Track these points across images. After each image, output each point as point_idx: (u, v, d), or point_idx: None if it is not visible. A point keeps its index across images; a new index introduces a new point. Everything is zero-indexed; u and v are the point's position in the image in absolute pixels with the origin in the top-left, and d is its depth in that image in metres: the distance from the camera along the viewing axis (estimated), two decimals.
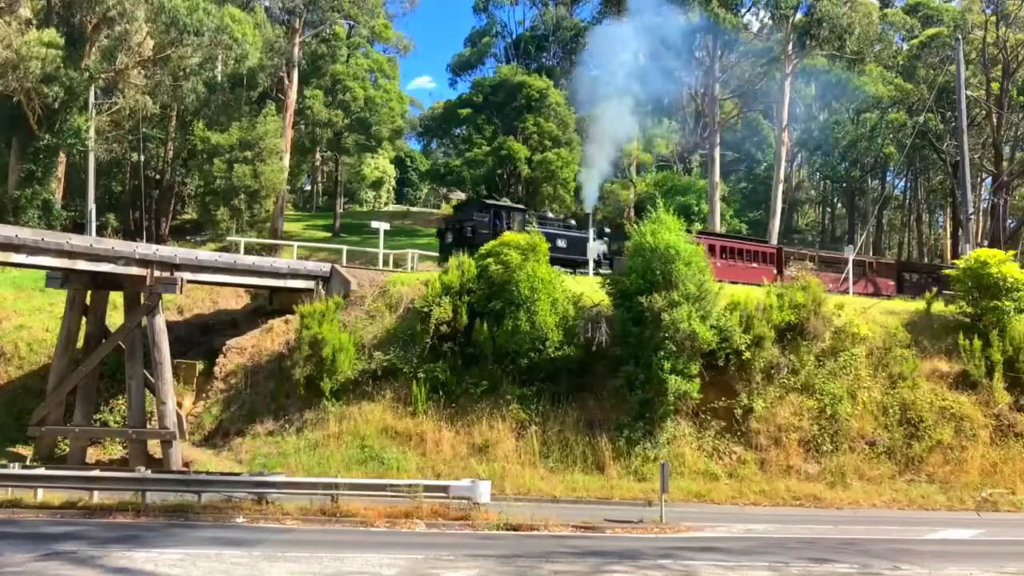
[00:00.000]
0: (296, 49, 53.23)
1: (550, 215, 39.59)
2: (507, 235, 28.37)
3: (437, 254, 36.44)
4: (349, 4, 55.30)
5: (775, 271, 40.02)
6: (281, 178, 46.30)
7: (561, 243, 35.47)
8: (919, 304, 31.04)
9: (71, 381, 25.10)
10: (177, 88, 42.05)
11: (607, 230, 40.19)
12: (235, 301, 31.59)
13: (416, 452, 24.55)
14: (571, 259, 35.95)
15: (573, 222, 38.77)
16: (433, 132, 68.65)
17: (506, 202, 40.88)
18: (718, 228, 53.15)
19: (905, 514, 23.14)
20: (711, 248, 35.82)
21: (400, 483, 20.44)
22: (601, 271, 35.39)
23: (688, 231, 27.94)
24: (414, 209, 73.22)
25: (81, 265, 23.22)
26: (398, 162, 60.14)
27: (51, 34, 35.04)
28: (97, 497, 20.51)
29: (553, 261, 33.61)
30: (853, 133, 59.07)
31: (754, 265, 40.61)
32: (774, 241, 49.64)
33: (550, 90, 60.29)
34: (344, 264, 31.02)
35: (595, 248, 36.80)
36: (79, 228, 38.33)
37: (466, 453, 24.58)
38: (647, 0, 52.57)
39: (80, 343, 26.04)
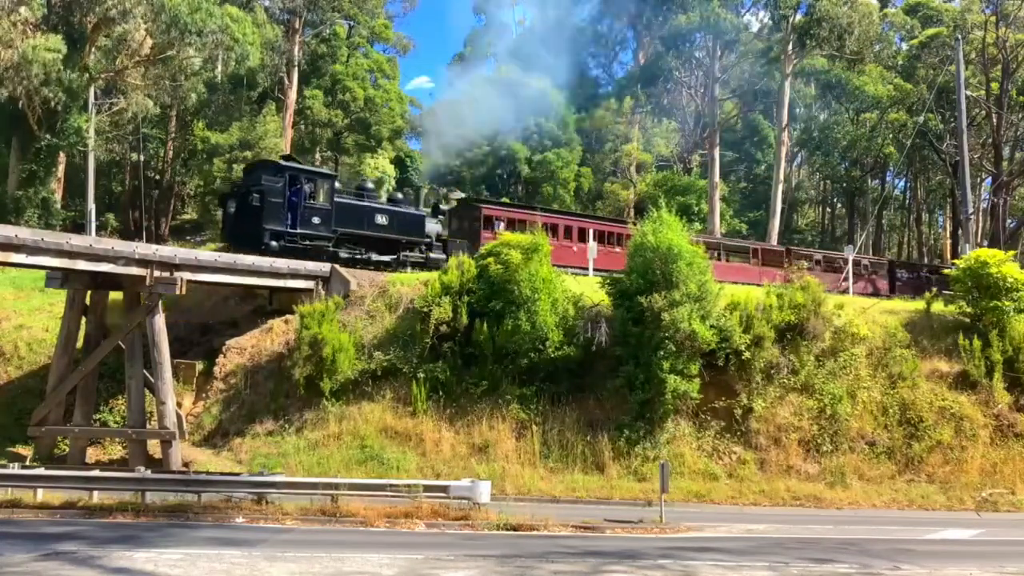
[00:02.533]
0: (296, 49, 53.28)
1: (370, 185, 34.98)
2: (507, 235, 28.36)
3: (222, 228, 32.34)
4: (349, 4, 55.33)
5: None
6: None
7: (381, 219, 31.64)
8: (919, 304, 31.04)
9: (71, 381, 25.09)
10: (177, 88, 42.03)
11: (443, 207, 37.06)
12: (235, 301, 31.56)
13: (416, 452, 24.55)
14: (394, 239, 32.22)
15: (401, 196, 35.30)
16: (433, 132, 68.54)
17: (309, 165, 35.81)
18: (718, 228, 53.17)
19: (905, 514, 23.14)
20: (600, 234, 35.65)
21: (400, 483, 20.44)
22: (433, 255, 33.20)
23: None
24: None
25: (81, 265, 23.20)
26: (398, 162, 60.01)
27: (56, 41, 35.03)
28: (97, 497, 20.50)
29: (369, 242, 31.10)
30: (853, 133, 59.05)
31: (617, 250, 37.67)
32: (774, 241, 49.60)
33: (550, 90, 60.24)
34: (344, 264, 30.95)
35: (433, 229, 33.93)
36: (79, 228, 38.35)
37: (466, 453, 24.58)
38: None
39: (80, 343, 26.02)
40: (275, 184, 28.60)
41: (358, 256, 31.24)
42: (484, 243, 33.17)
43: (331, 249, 30.33)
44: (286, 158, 32.63)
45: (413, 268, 32.69)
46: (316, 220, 29.90)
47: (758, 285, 31.84)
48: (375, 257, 31.74)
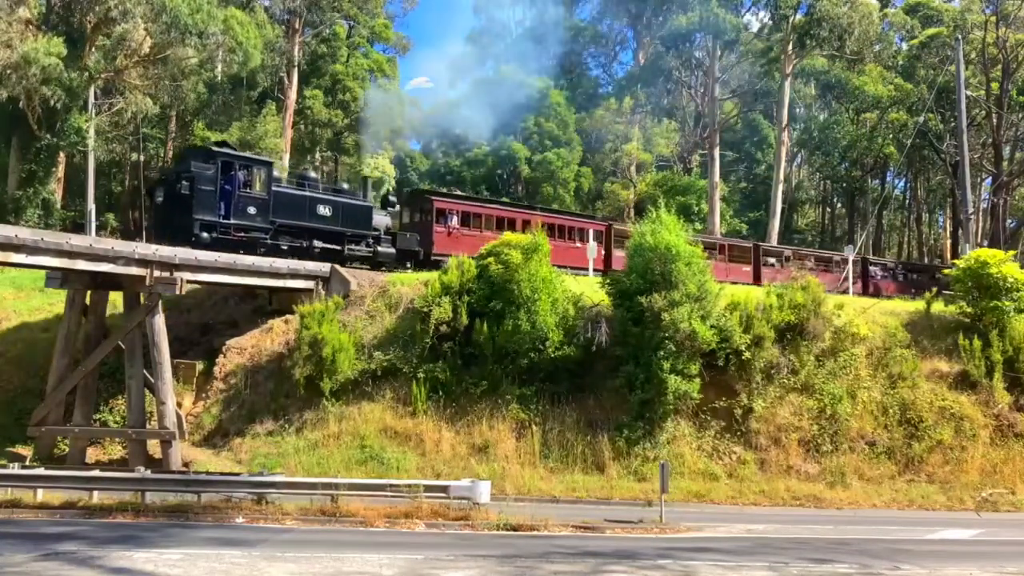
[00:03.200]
0: (296, 49, 53.25)
1: (312, 174, 33.05)
2: (508, 235, 28.35)
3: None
4: (349, 4, 55.32)
5: (602, 252, 36.27)
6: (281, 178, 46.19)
7: (324, 210, 29.52)
8: (919, 304, 31.05)
9: (71, 381, 25.09)
10: (177, 88, 42.01)
11: (392, 199, 35.00)
12: (235, 301, 31.56)
13: (416, 452, 24.55)
14: (338, 232, 30.22)
15: (347, 186, 33.44)
16: (433, 132, 68.60)
17: (244, 153, 33.00)
18: (718, 228, 53.19)
19: (905, 514, 23.13)
20: (553, 228, 33.52)
21: (400, 483, 20.43)
22: (381, 249, 31.42)
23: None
24: None
25: (81, 265, 23.20)
26: (398, 162, 60.12)
27: (57, 44, 35.04)
28: (97, 497, 20.49)
29: (310, 234, 29.31)
30: (853, 133, 59.07)
31: (577, 244, 36.40)
32: (774, 241, 49.58)
33: (550, 90, 60.29)
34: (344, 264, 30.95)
35: (381, 222, 32.07)
36: (79, 228, 38.32)
37: (466, 453, 24.58)
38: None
39: (80, 343, 26.02)
40: (206, 171, 26.65)
41: (298, 246, 29.19)
42: (436, 237, 32.81)
43: (269, 242, 28.38)
44: (219, 144, 29.92)
45: (360, 263, 30.96)
46: (252, 210, 27.97)
47: (721, 282, 31.07)
48: (319, 245, 29.63)
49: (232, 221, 27.64)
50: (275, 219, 28.79)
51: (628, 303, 25.71)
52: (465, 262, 27.76)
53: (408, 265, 32.36)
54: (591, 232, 37.30)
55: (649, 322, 24.93)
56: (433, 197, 34.48)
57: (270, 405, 26.34)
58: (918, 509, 23.68)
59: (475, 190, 55.63)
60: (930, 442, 25.72)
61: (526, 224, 33.98)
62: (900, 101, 55.26)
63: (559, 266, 31.56)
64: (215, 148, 28.50)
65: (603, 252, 36.57)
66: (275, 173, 29.88)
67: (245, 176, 27.87)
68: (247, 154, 32.19)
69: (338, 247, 30.28)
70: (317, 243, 29.90)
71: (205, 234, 26.74)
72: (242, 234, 27.89)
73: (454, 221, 33.40)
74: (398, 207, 34.79)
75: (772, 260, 42.81)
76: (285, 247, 29.00)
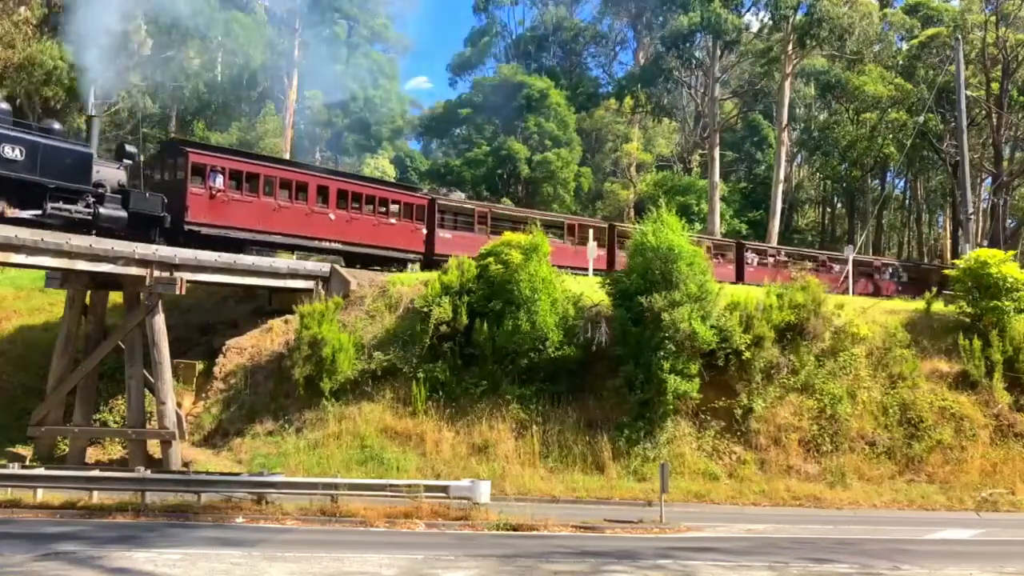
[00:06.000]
0: (296, 49, 53.27)
1: (4, 106, 22.86)
2: (508, 234, 28.34)
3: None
4: (349, 4, 55.38)
5: (423, 231, 32.27)
6: None
7: (11, 152, 21.43)
8: (919, 304, 31.05)
9: (71, 381, 25.09)
10: (177, 88, 42.03)
11: (131, 150, 26.39)
12: (235, 301, 31.57)
13: (416, 452, 24.55)
14: (33, 183, 22.02)
15: (58, 126, 24.63)
16: (433, 132, 68.74)
17: None
18: (718, 228, 53.15)
19: (905, 514, 23.13)
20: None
21: (400, 483, 20.44)
22: (104, 211, 23.75)
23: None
24: None
25: (80, 265, 23.19)
26: (398, 162, 60.19)
27: (66, 51, 35.07)
28: (97, 497, 20.49)
29: None
30: (853, 133, 59.05)
31: (392, 222, 31.35)
32: (774, 242, 49.43)
33: (550, 90, 60.29)
34: (343, 264, 30.97)
35: (109, 176, 24.43)
36: None
37: (466, 453, 24.57)
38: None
39: (80, 343, 26.03)
40: None
41: None
42: (192, 201, 25.80)
43: None
44: None
45: (75, 228, 23.27)
46: None
47: None
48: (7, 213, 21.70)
49: None
50: None
51: (628, 303, 25.71)
52: (465, 262, 27.73)
53: (154, 236, 25.10)
54: (411, 206, 32.24)
55: (649, 322, 24.93)
56: (189, 149, 27.06)
57: (270, 405, 26.34)
58: (918, 509, 23.68)
59: (475, 190, 55.63)
60: (930, 442, 25.72)
61: (322, 190, 29.37)
62: (900, 101, 55.23)
63: (371, 246, 29.52)
64: None
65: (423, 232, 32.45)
66: None
67: None
68: None
69: (37, 210, 22.25)
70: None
71: None
72: None
73: (219, 181, 26.60)
74: (143, 160, 27.84)
75: (754, 258, 42.49)
76: None
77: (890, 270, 48.50)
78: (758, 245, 45.37)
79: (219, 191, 26.59)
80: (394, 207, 31.68)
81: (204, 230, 26.04)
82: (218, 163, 27.04)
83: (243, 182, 27.41)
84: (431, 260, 32.16)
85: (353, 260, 31.13)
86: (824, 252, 47.43)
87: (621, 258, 34.99)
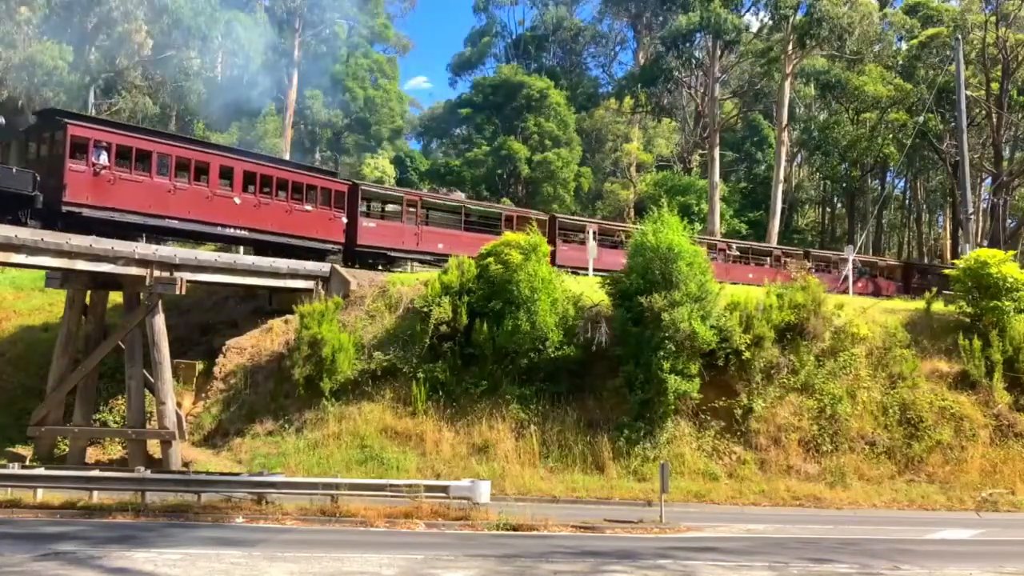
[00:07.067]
0: (296, 49, 53.27)
1: None
2: (508, 234, 28.32)
3: None
4: (349, 4, 55.39)
5: (343, 220, 29.63)
6: None
7: None
8: (919, 304, 31.05)
9: (71, 381, 25.09)
10: (177, 88, 42.02)
11: None
12: (235, 301, 31.57)
13: (416, 452, 24.55)
14: None
15: None
16: (433, 132, 68.78)
17: None
18: (718, 228, 53.13)
19: (905, 514, 23.14)
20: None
21: (400, 483, 20.44)
22: None
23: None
24: None
25: (80, 265, 23.19)
26: (398, 162, 60.24)
27: (67, 51, 35.04)
28: (96, 497, 20.49)
29: None
30: (853, 133, 59.08)
31: (308, 208, 28.88)
32: (774, 242, 49.41)
33: (550, 90, 60.30)
34: (343, 264, 30.98)
35: None
36: None
37: (466, 453, 24.57)
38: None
39: (80, 343, 26.03)
40: None
41: None
42: (71, 179, 23.09)
43: None
44: None
45: None
46: None
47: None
48: None
49: None
50: None
51: (628, 303, 25.71)
52: (465, 261, 27.72)
53: (23, 218, 22.57)
54: (330, 192, 29.67)
55: (649, 322, 24.92)
56: (68, 121, 23.79)
57: (270, 405, 26.34)
58: (918, 509, 23.69)
59: (475, 190, 55.63)
60: (930, 442, 25.72)
61: (226, 171, 26.92)
62: (900, 101, 55.24)
63: (284, 235, 27.08)
64: None
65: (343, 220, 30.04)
66: None
67: None
68: None
69: None
70: None
71: None
72: None
73: (103, 158, 23.89)
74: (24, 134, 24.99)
75: (716, 257, 41.48)
76: None
77: (853, 265, 47.68)
78: (708, 239, 43.81)
79: (104, 168, 23.80)
80: (311, 192, 29.07)
81: (86, 212, 23.34)
82: (103, 137, 24.11)
83: (133, 160, 24.65)
84: (353, 252, 30.34)
85: (264, 249, 28.45)
86: (780, 247, 46.63)
87: (565, 251, 34.30)
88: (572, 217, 39.73)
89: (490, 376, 25.98)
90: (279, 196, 28.40)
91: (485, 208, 35.94)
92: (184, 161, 25.92)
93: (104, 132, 24.48)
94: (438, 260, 30.98)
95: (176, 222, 25.78)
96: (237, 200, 26.79)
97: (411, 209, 32.07)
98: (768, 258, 43.43)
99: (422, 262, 33.54)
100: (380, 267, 31.96)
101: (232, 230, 27.10)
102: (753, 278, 37.01)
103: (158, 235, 26.79)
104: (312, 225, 28.84)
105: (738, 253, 41.97)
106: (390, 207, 32.99)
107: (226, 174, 27.04)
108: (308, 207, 28.76)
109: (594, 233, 36.28)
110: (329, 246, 30.04)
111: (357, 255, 30.70)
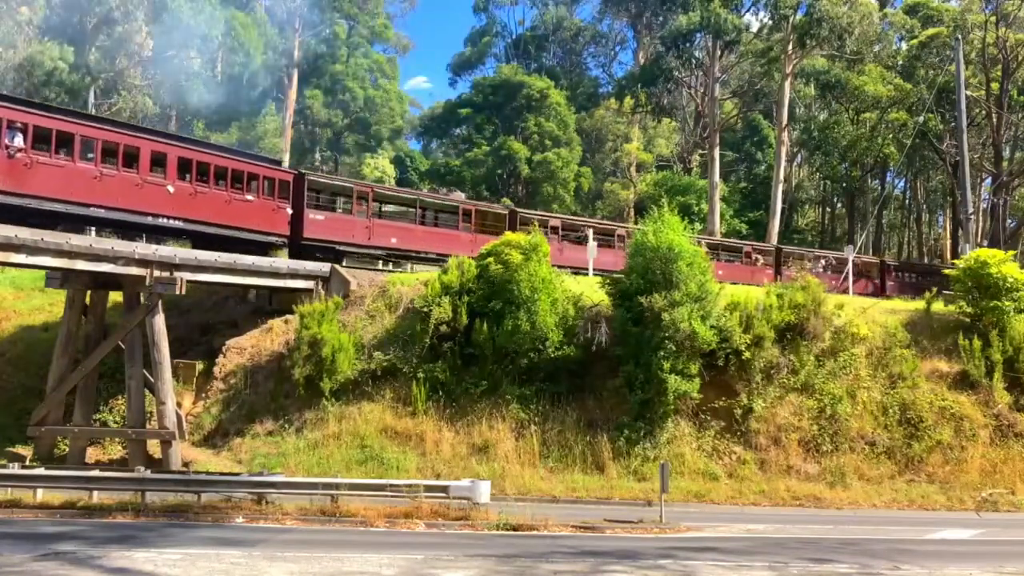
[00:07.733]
0: (296, 49, 53.28)
1: None
2: (508, 235, 28.32)
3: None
4: (349, 4, 55.40)
5: (288, 211, 28.18)
6: None
7: None
8: (919, 304, 31.05)
9: (71, 381, 25.08)
10: (177, 88, 42.04)
11: None
12: (235, 301, 31.57)
13: (416, 452, 24.55)
14: None
15: None
16: (433, 132, 68.78)
17: None
18: (718, 228, 53.16)
19: (905, 514, 23.13)
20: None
21: (400, 483, 20.44)
22: None
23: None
24: None
25: (80, 265, 23.19)
26: (398, 162, 60.26)
27: (67, 52, 35.02)
28: (96, 497, 20.49)
29: None
30: (853, 133, 59.10)
31: (249, 198, 27.32)
32: (773, 241, 49.41)
33: (550, 90, 60.31)
34: (344, 264, 30.98)
35: None
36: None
37: (466, 453, 24.57)
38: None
39: (80, 343, 26.03)
40: None
41: None
42: None
43: None
44: None
45: None
46: None
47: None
48: None
49: None
50: None
51: (628, 303, 25.71)
52: (465, 262, 27.68)
53: None
54: (274, 182, 28.15)
55: (649, 322, 24.92)
56: None
57: (270, 405, 26.34)
58: (918, 509, 23.68)
59: (475, 190, 55.61)
60: (930, 442, 25.72)
61: (158, 158, 25.09)
62: (900, 101, 55.26)
63: (222, 226, 25.44)
64: None
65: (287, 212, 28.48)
66: None
67: None
68: None
69: None
70: None
71: None
72: None
73: (18, 140, 22.05)
74: None
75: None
76: None
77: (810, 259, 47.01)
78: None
79: (20, 151, 21.93)
80: (252, 181, 27.43)
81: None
82: (19, 118, 22.11)
83: (54, 143, 22.77)
84: (299, 245, 28.76)
85: (202, 242, 26.90)
86: (749, 243, 46.43)
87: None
88: (531, 212, 38.80)
89: (490, 376, 25.98)
90: (218, 185, 26.59)
91: (441, 201, 34.62)
92: (111, 146, 24.05)
93: (19, 112, 22.35)
94: (391, 255, 29.98)
95: (102, 211, 24.04)
96: (171, 188, 25.04)
97: (362, 201, 30.40)
98: (736, 254, 43.44)
99: (374, 257, 32.07)
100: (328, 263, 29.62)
101: (165, 220, 25.27)
102: (723, 275, 36.52)
103: (81, 224, 25.23)
104: (254, 216, 27.11)
105: (707, 249, 41.79)
106: (340, 199, 31.23)
107: (159, 161, 25.13)
108: (250, 197, 27.14)
109: (557, 228, 35.63)
110: (273, 239, 28.46)
111: (303, 249, 28.85)
